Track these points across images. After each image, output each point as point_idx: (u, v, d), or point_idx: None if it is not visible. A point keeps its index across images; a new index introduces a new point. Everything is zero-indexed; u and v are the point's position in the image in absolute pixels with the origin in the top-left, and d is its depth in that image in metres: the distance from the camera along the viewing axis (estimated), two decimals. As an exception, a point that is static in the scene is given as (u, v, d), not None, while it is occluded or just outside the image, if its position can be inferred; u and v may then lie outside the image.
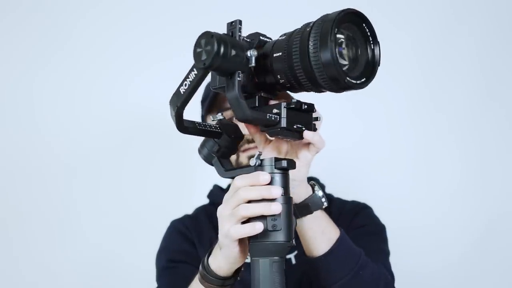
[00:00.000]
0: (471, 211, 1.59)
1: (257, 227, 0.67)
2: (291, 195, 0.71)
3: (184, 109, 0.72)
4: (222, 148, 0.77)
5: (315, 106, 0.74)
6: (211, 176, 1.27)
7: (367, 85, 0.68)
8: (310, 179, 1.17)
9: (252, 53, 0.66)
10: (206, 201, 1.24)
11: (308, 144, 0.75)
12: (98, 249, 1.55)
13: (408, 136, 1.64)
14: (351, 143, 1.59)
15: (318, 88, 0.68)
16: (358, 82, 0.66)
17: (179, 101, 0.71)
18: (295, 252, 1.06)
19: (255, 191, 0.68)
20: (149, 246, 1.20)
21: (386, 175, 1.61)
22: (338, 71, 0.63)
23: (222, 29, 0.71)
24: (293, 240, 0.70)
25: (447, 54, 1.63)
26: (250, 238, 0.69)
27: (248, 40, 0.70)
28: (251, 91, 0.72)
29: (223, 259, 0.77)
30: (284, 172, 0.70)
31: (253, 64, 0.66)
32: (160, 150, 1.61)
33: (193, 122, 0.77)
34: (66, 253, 1.55)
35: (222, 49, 0.62)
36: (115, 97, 1.60)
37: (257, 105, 0.72)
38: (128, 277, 1.52)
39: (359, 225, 1.08)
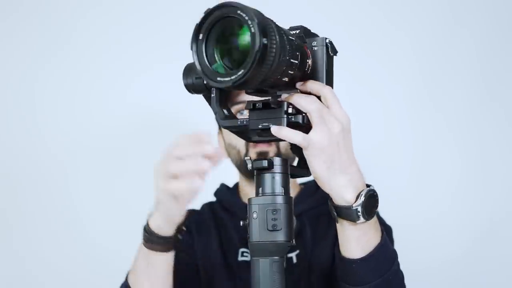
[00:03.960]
0: (471, 210, 1.59)
1: (194, 184, 0.67)
2: (291, 195, 0.71)
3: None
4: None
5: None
6: (218, 176, 1.28)
7: (235, 76, 0.60)
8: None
9: None
10: (213, 199, 1.25)
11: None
12: (99, 250, 1.55)
13: (408, 136, 1.64)
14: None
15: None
16: (224, 79, 0.61)
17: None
18: (297, 251, 1.07)
19: (187, 146, 0.69)
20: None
21: (386, 175, 1.61)
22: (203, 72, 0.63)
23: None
24: (293, 240, 0.70)
25: (446, 54, 1.63)
26: (249, 237, 0.69)
27: None
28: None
29: (160, 216, 0.78)
30: (284, 172, 0.71)
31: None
32: (158, 150, 1.60)
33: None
34: (67, 252, 1.56)
35: (184, 81, 0.75)
36: (116, 97, 1.60)
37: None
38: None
39: None
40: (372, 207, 0.72)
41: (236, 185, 1.22)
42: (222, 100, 0.72)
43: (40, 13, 1.61)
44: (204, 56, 0.63)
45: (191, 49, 0.63)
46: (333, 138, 0.68)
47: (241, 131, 0.74)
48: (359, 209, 0.70)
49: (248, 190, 1.15)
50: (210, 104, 0.74)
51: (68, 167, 1.59)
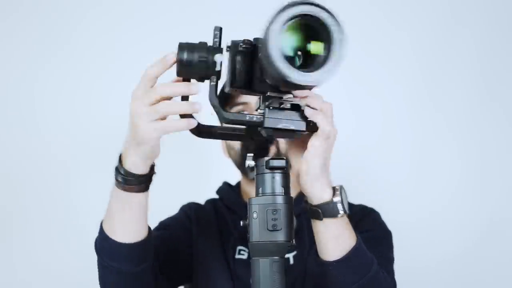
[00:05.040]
0: (470, 210, 1.60)
1: (191, 123, 0.70)
2: (291, 195, 0.71)
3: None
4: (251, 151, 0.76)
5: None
6: (221, 174, 1.28)
7: (312, 79, 0.62)
8: None
9: (217, 58, 0.67)
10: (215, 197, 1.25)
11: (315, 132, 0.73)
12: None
13: (408, 136, 1.64)
14: (349, 142, 1.59)
15: (284, 88, 0.66)
16: (303, 77, 0.61)
17: None
18: (294, 252, 1.07)
19: (174, 88, 0.70)
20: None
21: (385, 175, 1.62)
22: (277, 69, 0.59)
23: (223, 30, 0.71)
24: (293, 240, 0.70)
25: (446, 53, 1.63)
26: (249, 237, 0.69)
27: (229, 46, 0.69)
28: (262, 90, 0.70)
29: (139, 155, 0.76)
30: (284, 171, 0.70)
31: (218, 68, 0.67)
32: (165, 149, 1.60)
33: (213, 127, 0.78)
34: (67, 252, 1.55)
35: (184, 56, 0.67)
36: (117, 98, 1.59)
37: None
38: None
39: (364, 229, 1.07)
40: (346, 200, 0.79)
41: (239, 184, 1.23)
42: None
43: (40, 13, 1.61)
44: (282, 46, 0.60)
45: (268, 35, 0.58)
46: (328, 146, 0.75)
47: (252, 126, 0.72)
48: (339, 202, 0.76)
49: (249, 190, 1.16)
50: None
51: (68, 167, 1.58)
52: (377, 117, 1.63)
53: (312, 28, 0.61)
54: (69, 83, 1.59)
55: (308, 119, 0.71)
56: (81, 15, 1.61)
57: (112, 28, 1.60)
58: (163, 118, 0.70)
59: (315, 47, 0.61)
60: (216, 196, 1.23)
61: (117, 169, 0.78)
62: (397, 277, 1.00)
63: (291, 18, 0.59)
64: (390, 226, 1.11)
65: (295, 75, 0.59)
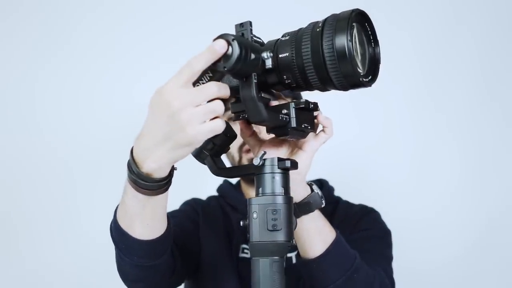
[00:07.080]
0: (471, 210, 1.60)
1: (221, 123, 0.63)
2: (291, 194, 0.71)
3: None
4: (216, 147, 0.76)
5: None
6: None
7: (373, 83, 0.68)
8: (318, 180, 1.18)
9: (268, 55, 0.67)
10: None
11: (315, 134, 0.78)
12: (100, 250, 1.55)
13: (408, 136, 1.64)
14: (350, 143, 1.60)
15: (326, 86, 0.68)
16: (366, 79, 0.67)
17: None
18: (297, 251, 1.07)
19: (226, 90, 0.63)
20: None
21: (385, 175, 1.61)
22: (353, 67, 0.63)
23: (224, 29, 0.71)
24: (293, 240, 0.70)
25: (447, 54, 1.63)
26: (249, 237, 0.69)
27: (260, 40, 0.70)
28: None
29: (175, 158, 0.66)
30: (285, 171, 0.70)
31: (270, 65, 0.67)
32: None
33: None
34: (68, 252, 1.56)
35: (243, 53, 0.61)
36: (119, 97, 1.60)
37: None
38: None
39: (363, 228, 1.08)
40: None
41: (239, 183, 1.23)
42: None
43: (40, 13, 1.61)
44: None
45: (347, 32, 0.63)
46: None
47: (277, 127, 0.72)
48: (320, 193, 0.81)
49: (249, 192, 1.16)
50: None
51: (69, 168, 1.58)
52: (377, 117, 1.63)
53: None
54: (69, 83, 1.59)
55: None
56: (82, 15, 1.61)
57: (113, 27, 1.60)
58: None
59: None
60: (216, 194, 1.23)
61: (133, 172, 0.69)
62: (397, 276, 1.00)
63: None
64: (390, 225, 1.11)
65: (363, 80, 0.66)
